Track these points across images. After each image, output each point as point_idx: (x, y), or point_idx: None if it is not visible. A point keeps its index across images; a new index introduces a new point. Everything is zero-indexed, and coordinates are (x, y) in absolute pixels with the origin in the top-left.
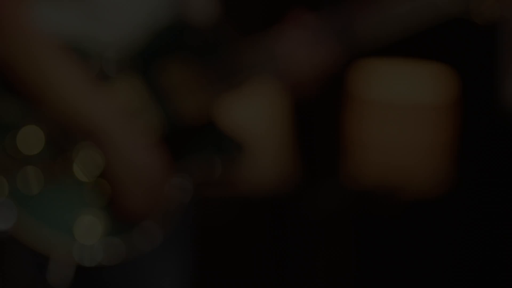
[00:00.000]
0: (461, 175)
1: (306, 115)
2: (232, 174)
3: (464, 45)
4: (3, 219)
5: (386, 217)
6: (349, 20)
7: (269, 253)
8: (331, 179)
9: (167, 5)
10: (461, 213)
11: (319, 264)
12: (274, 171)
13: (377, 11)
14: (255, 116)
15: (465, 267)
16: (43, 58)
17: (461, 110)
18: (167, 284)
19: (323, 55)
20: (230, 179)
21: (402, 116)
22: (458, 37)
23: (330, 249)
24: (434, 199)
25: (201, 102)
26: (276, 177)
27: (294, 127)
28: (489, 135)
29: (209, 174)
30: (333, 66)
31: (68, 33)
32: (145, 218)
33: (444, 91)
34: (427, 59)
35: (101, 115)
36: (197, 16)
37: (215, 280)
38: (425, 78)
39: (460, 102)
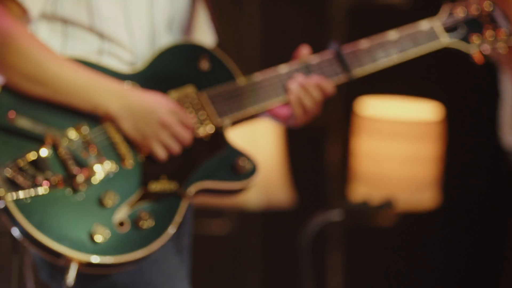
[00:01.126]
0: (451, 189)
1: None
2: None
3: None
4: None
5: (380, 227)
6: (345, 55)
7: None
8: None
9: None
10: (452, 224)
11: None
12: (277, 188)
13: (372, 42)
14: (263, 141)
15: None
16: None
17: (450, 129)
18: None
19: (324, 85)
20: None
21: (397, 133)
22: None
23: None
24: (427, 211)
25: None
26: (279, 194)
27: (290, 151)
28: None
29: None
30: (331, 93)
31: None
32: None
33: (435, 115)
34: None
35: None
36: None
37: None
38: (419, 106)
39: (449, 122)
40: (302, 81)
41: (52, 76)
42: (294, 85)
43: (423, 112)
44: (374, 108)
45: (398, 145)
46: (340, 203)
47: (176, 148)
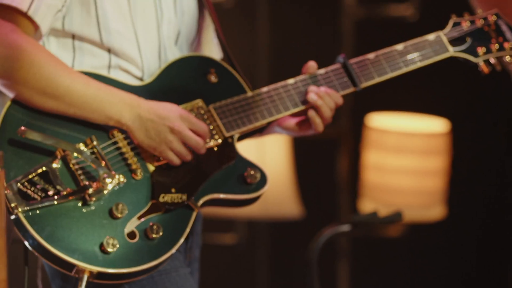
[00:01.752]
0: (457, 200)
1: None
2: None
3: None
4: (30, 237)
5: (388, 238)
6: (352, 66)
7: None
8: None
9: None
10: (458, 234)
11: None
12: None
13: (378, 53)
14: (272, 153)
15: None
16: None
17: (456, 142)
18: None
19: (333, 94)
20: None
21: (406, 146)
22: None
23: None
24: (434, 221)
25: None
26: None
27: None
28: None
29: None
30: (340, 103)
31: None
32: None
33: (439, 127)
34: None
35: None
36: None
37: None
38: (426, 121)
39: (455, 135)
40: (315, 89)
41: (64, 90)
42: (311, 95)
43: (431, 125)
44: (383, 121)
45: (406, 158)
46: (349, 214)
47: (187, 154)
